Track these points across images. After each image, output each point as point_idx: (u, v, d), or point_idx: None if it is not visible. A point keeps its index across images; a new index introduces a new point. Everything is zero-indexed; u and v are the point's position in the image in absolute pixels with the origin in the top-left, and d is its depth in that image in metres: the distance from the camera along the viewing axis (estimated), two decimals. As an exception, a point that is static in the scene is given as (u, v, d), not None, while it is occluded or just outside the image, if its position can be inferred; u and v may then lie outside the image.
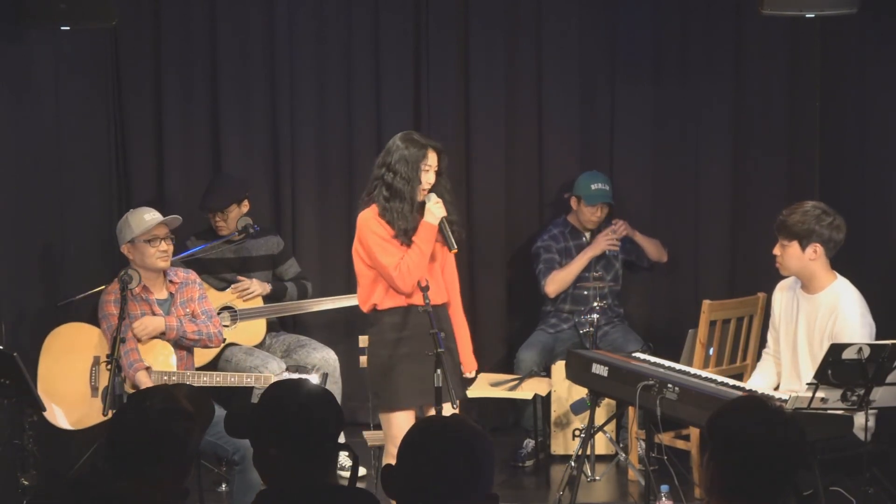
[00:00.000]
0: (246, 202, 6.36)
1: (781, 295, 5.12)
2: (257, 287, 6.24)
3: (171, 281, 5.31)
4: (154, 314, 5.20)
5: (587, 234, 6.62)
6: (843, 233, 4.90)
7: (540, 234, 6.70)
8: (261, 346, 6.28)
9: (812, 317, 4.93)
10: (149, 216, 5.28)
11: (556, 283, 6.54)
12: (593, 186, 6.52)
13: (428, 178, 4.91)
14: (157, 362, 5.14)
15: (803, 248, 4.88)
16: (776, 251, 4.97)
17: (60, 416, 5.19)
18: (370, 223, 4.91)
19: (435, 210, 4.89)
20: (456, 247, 4.93)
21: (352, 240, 6.87)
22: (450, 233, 4.90)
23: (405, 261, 4.85)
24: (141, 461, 2.89)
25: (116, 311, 5.08)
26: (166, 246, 5.24)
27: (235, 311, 6.22)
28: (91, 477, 3.00)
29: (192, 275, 5.47)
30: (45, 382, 5.15)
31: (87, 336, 5.23)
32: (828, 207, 4.96)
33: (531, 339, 6.60)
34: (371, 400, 5.22)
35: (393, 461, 2.54)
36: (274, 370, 5.69)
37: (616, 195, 6.89)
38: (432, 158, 4.92)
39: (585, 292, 6.47)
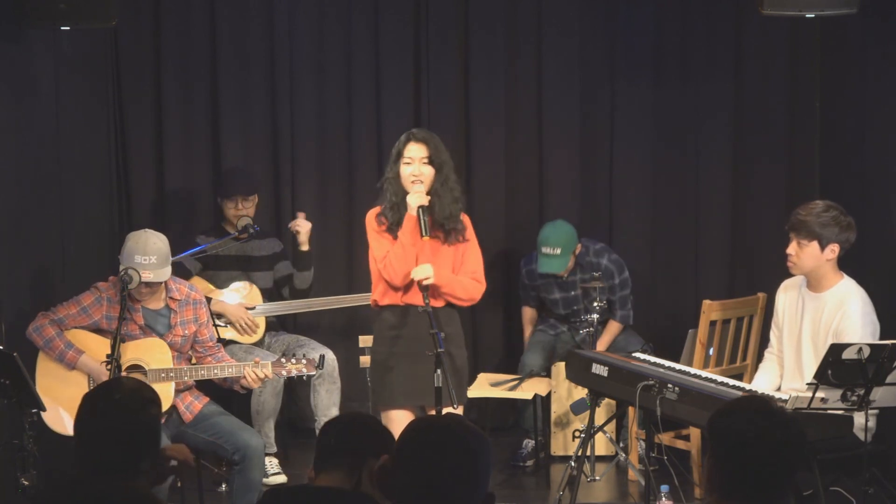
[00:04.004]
0: (256, 196, 6.39)
1: (786, 294, 5.13)
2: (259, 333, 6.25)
3: (171, 297, 5.22)
4: (135, 321, 5.14)
5: (565, 274, 6.41)
6: (855, 233, 4.92)
7: (526, 256, 6.60)
8: (259, 344, 6.27)
9: (818, 315, 4.93)
10: (139, 258, 5.02)
11: (522, 315, 6.70)
12: (544, 249, 6.26)
13: (411, 170, 4.90)
14: (154, 360, 5.13)
15: (823, 247, 4.89)
16: (791, 250, 4.95)
17: (59, 420, 5.18)
18: (370, 219, 5.00)
19: (411, 200, 4.88)
20: (427, 234, 4.85)
21: (351, 240, 6.91)
22: (423, 221, 4.85)
23: (389, 253, 4.88)
24: (123, 454, 2.89)
25: (90, 302, 5.14)
26: (147, 289, 5.12)
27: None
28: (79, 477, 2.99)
29: (199, 294, 5.33)
30: (42, 388, 5.12)
31: (82, 340, 5.20)
32: (840, 206, 4.96)
33: (533, 341, 6.60)
34: (370, 397, 5.23)
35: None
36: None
37: (616, 195, 6.89)
38: (412, 150, 4.91)
39: (576, 305, 6.44)
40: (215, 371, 5.13)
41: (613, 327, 6.45)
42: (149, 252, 5.06)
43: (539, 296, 6.60)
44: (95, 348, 5.11)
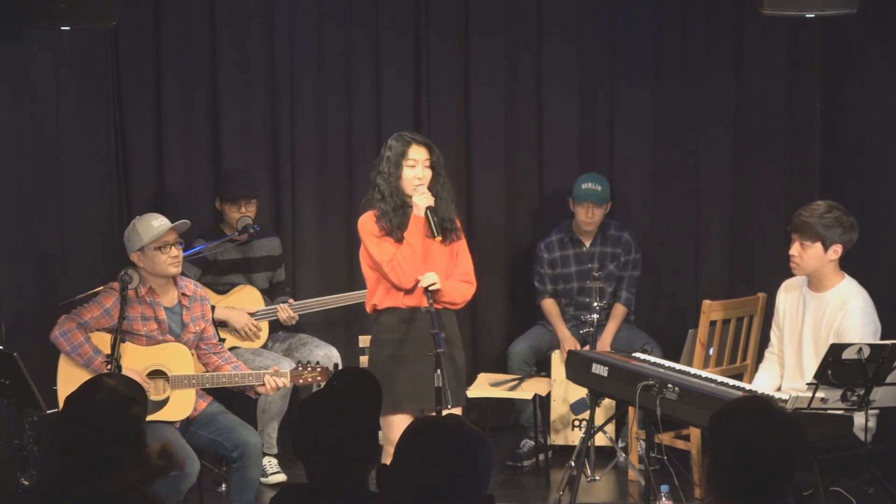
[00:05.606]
0: (257, 199, 6.38)
1: (787, 294, 5.13)
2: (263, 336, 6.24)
3: (183, 294, 5.21)
4: (157, 318, 5.14)
5: (587, 244, 6.56)
6: (857, 233, 4.92)
7: (543, 236, 6.67)
8: (262, 345, 6.26)
9: (819, 314, 4.93)
10: (157, 222, 5.15)
11: (545, 311, 6.58)
12: (583, 186, 6.46)
13: (415, 172, 4.92)
14: (177, 366, 5.12)
15: (826, 248, 4.89)
16: (794, 251, 4.95)
17: None
18: (367, 224, 4.99)
19: (419, 201, 4.91)
20: (439, 235, 4.91)
21: (351, 240, 6.89)
22: (433, 221, 4.90)
23: (397, 255, 4.88)
24: (105, 454, 2.89)
25: (111, 304, 5.10)
26: (177, 251, 5.14)
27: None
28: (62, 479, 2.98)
29: (202, 291, 5.35)
30: (65, 393, 5.10)
31: (102, 344, 5.18)
32: (842, 206, 4.96)
33: (526, 333, 6.62)
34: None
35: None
36: (285, 368, 5.63)
37: (616, 196, 6.88)
38: (416, 152, 4.94)
39: (587, 299, 6.44)
40: (236, 378, 5.14)
41: (619, 311, 6.47)
42: (158, 217, 5.19)
43: (554, 274, 6.57)
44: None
